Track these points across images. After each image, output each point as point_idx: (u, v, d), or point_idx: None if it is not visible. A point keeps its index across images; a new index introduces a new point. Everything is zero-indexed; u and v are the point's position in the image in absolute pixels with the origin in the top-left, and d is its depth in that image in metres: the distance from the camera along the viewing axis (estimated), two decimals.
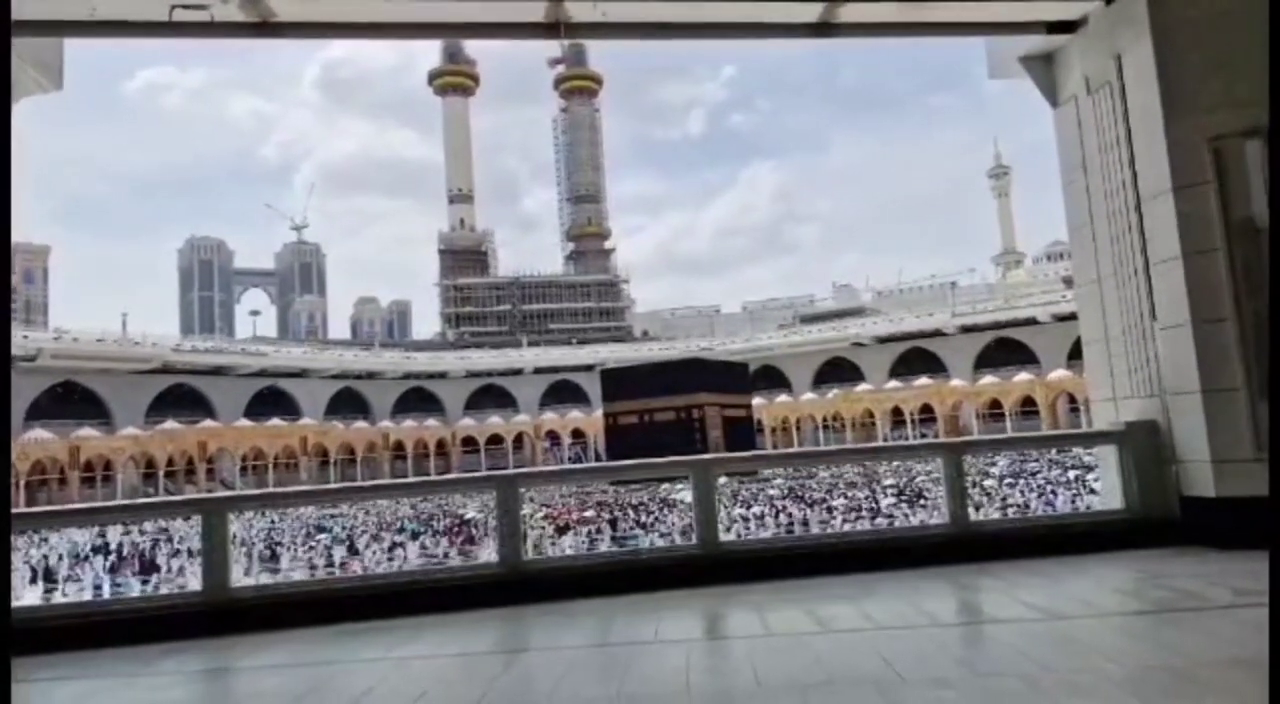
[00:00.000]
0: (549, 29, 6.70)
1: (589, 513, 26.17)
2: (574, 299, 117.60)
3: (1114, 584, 5.56)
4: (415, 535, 24.48)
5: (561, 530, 23.67)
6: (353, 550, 23.04)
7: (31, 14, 6.00)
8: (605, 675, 4.18)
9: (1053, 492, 24.16)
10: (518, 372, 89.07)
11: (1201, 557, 5.81)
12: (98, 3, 5.87)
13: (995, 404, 66.90)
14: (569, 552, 17.46)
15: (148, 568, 21.83)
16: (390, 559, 20.57)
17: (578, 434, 76.60)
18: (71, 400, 62.31)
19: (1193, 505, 6.25)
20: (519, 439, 77.02)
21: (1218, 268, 5.96)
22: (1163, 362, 6.42)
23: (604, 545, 18.64)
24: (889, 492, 27.40)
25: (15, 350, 57.11)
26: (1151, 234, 6.42)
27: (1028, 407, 65.20)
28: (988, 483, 27.65)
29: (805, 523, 22.83)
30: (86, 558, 23.87)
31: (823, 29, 6.79)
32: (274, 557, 22.38)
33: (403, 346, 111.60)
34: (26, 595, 17.85)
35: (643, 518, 24.74)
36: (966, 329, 77.59)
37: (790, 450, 49.68)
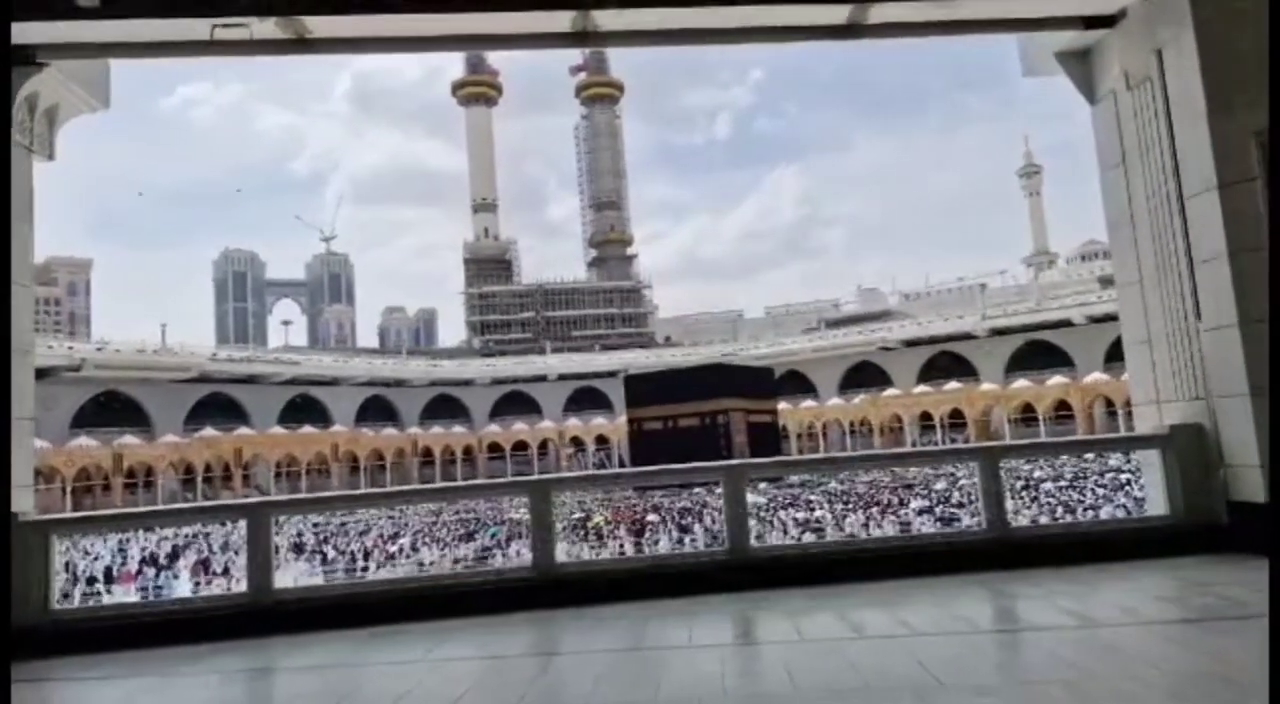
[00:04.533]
0: (576, 38, 6.76)
1: (652, 517, 26.25)
2: (597, 305, 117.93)
3: (1157, 591, 5.44)
4: (494, 536, 24.68)
5: (636, 533, 23.85)
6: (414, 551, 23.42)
7: (79, 36, 6.21)
8: (641, 679, 4.19)
9: (1103, 497, 23.62)
10: (542, 378, 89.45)
11: (1249, 564, 5.64)
12: (142, 24, 6.05)
13: (1028, 408, 65.62)
14: (663, 550, 17.47)
15: (202, 569, 22.29)
16: (484, 561, 20.62)
17: (602, 440, 76.63)
18: (114, 409, 63.89)
19: (1241, 511, 6.08)
20: (544, 445, 77.28)
21: (1266, 266, 5.82)
22: (1208, 363, 6.26)
23: (689, 545, 18.73)
24: (935, 495, 26.99)
25: (60, 361, 58.80)
26: (1195, 232, 6.28)
27: (1062, 411, 63.85)
28: (1045, 486, 27.13)
29: (838, 528, 22.60)
30: (147, 560, 24.46)
31: (852, 31, 6.75)
32: (354, 559, 22.86)
33: (429, 354, 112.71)
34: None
35: (688, 521, 24.73)
36: (997, 332, 76.28)
37: (821, 456, 49.22)
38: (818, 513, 25.47)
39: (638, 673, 4.35)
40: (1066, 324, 71.82)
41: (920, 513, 23.67)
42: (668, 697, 3.82)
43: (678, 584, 6.10)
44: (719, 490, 6.63)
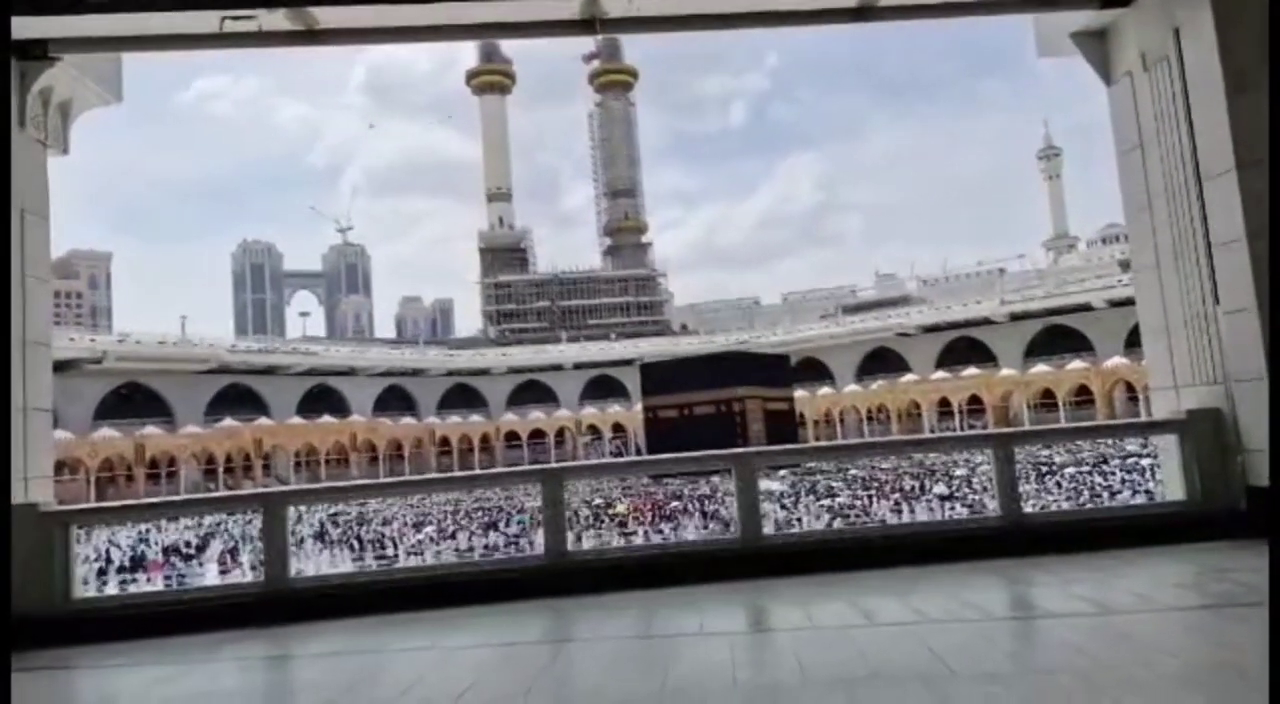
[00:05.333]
0: (584, 25, 6.72)
1: (675, 504, 26.27)
2: (612, 294, 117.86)
3: (1173, 578, 5.38)
4: (520, 523, 24.81)
5: (664, 518, 23.94)
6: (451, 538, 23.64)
7: (90, 30, 6.25)
8: (650, 667, 4.20)
9: (1121, 483, 23.42)
10: (558, 367, 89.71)
11: (1267, 550, 5.58)
12: (152, 17, 6.09)
13: (1047, 394, 64.94)
14: (690, 536, 17.46)
15: (229, 558, 22.59)
16: (514, 548, 20.80)
17: (618, 428, 76.81)
18: (136, 400, 64.83)
19: (1260, 496, 5.99)
20: (560, 434, 77.60)
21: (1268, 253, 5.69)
22: (1226, 347, 6.17)
23: (712, 532, 18.77)
24: (957, 481, 26.85)
25: (83, 353, 59.75)
26: (1214, 214, 6.17)
27: (1082, 396, 63.15)
28: (1068, 471, 26.92)
29: (864, 514, 22.57)
30: (173, 550, 24.87)
31: (863, 14, 6.67)
32: (386, 547, 23.12)
33: (446, 344, 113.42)
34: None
35: (713, 508, 24.74)
36: (1016, 317, 75.41)
37: (833, 443, 49.11)
38: (840, 499, 25.38)
39: (647, 662, 4.36)
40: (1086, 308, 70.88)
41: (942, 499, 23.58)
42: (675, 686, 3.82)
43: (691, 572, 6.12)
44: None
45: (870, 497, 25.51)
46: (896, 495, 25.24)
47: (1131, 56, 6.91)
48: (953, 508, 21.48)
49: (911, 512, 22.11)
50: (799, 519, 22.09)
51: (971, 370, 70.86)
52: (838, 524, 19.29)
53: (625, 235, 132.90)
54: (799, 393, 64.78)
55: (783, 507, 23.92)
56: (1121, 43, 7.07)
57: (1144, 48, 6.74)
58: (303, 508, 26.34)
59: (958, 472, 29.37)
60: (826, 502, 25.20)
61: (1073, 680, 3.44)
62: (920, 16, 6.93)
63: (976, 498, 22.50)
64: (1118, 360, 62.32)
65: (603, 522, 24.42)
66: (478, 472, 51.11)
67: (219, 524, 29.57)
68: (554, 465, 7.03)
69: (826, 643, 4.37)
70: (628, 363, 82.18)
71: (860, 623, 4.74)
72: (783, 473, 31.04)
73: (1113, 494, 21.74)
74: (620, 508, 26.70)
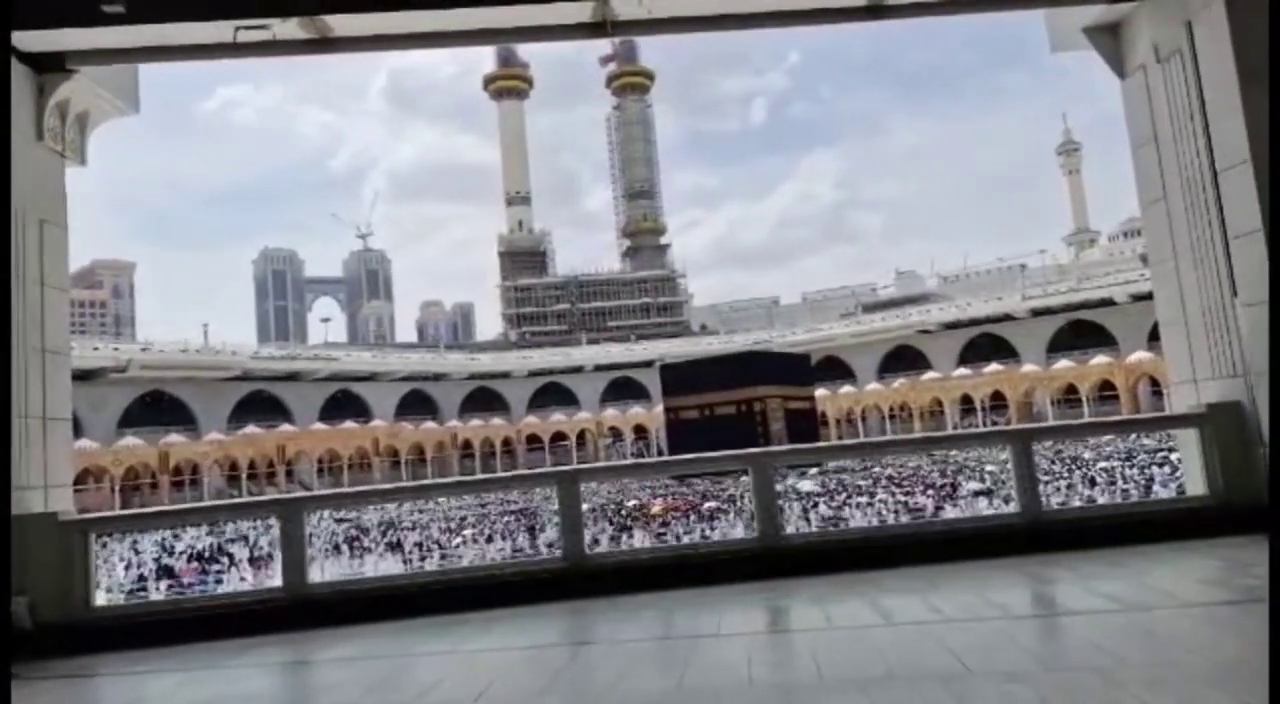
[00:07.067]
0: (596, 28, 6.74)
1: (711, 504, 26.13)
2: (631, 296, 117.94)
3: (1197, 574, 5.30)
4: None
5: (705, 519, 23.88)
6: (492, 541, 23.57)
7: (106, 42, 6.36)
8: (667, 668, 4.21)
9: (1145, 479, 23.03)
10: (578, 369, 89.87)
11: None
12: (167, 28, 6.17)
13: (1071, 389, 64.11)
14: (737, 535, 17.39)
15: (264, 563, 22.68)
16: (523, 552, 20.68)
17: (639, 430, 76.78)
18: (160, 408, 65.77)
19: None
20: (581, 436, 77.65)
21: None
22: (1246, 340, 6.07)
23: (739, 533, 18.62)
24: (989, 478, 26.49)
25: (107, 362, 60.76)
26: (1230, 207, 6.08)
27: (1106, 391, 62.29)
28: (1100, 465, 26.53)
29: (908, 510, 22.32)
30: (201, 556, 25.10)
31: (874, 12, 6.64)
32: (414, 552, 23.10)
33: (467, 348, 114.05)
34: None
35: (742, 508, 24.52)
36: (1038, 312, 74.55)
37: (852, 441, 48.72)
38: (878, 496, 25.10)
39: (664, 662, 4.36)
40: (1109, 303, 69.90)
41: (978, 494, 23.31)
42: (692, 685, 3.82)
43: (710, 573, 6.11)
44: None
45: (907, 493, 25.19)
46: (930, 493, 24.92)
47: (1144, 50, 6.82)
48: (988, 503, 21.19)
49: (947, 507, 21.81)
50: (833, 518, 21.92)
51: (994, 367, 70.06)
52: (866, 523, 19.10)
53: (644, 237, 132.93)
54: (820, 392, 64.41)
55: (814, 505, 23.76)
56: (1134, 36, 6.99)
57: (1157, 41, 6.66)
58: (325, 513, 26.49)
59: (989, 467, 28.97)
60: (860, 500, 24.96)
61: (1093, 679, 3.40)
62: (930, 13, 6.88)
63: (1010, 493, 22.12)
64: (1141, 355, 61.38)
65: (641, 523, 24.30)
66: (494, 475, 51.30)
67: (241, 531, 29.91)
68: (568, 468, 7.05)
69: (844, 642, 4.35)
70: (648, 364, 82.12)
71: (879, 622, 4.71)
72: (812, 472, 30.86)
73: (1148, 489, 21.36)
74: (656, 508, 26.54)
